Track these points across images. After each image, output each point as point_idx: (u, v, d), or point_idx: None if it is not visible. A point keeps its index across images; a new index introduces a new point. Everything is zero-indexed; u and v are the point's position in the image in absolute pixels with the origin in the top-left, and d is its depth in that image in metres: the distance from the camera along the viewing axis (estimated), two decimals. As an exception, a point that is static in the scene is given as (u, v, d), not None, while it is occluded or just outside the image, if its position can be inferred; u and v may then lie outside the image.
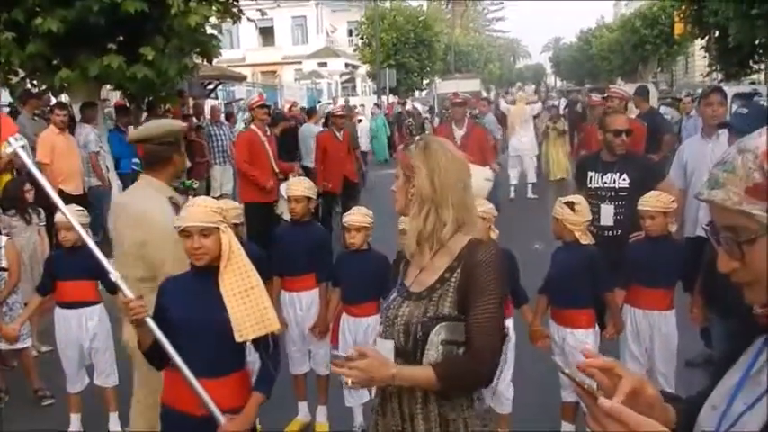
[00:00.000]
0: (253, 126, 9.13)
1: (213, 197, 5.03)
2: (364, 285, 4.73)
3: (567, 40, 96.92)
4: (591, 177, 5.45)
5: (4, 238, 5.55)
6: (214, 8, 10.54)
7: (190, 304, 3.03)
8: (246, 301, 2.99)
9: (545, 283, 4.68)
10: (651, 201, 4.54)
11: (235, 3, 11.50)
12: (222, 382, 3.02)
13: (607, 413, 1.21)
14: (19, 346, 5.57)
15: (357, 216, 4.73)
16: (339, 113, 11.06)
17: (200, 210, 2.98)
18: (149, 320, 2.94)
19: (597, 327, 4.61)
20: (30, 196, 6.53)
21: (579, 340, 4.49)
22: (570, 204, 4.49)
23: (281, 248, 5.14)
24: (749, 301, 1.24)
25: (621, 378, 1.29)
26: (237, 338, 2.98)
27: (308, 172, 11.32)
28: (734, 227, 1.18)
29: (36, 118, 9.73)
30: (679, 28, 32.91)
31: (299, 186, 5.09)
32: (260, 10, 12.17)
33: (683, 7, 28.91)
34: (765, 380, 1.20)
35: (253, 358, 3.33)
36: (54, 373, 5.51)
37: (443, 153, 2.40)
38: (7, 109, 11.23)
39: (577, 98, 20.42)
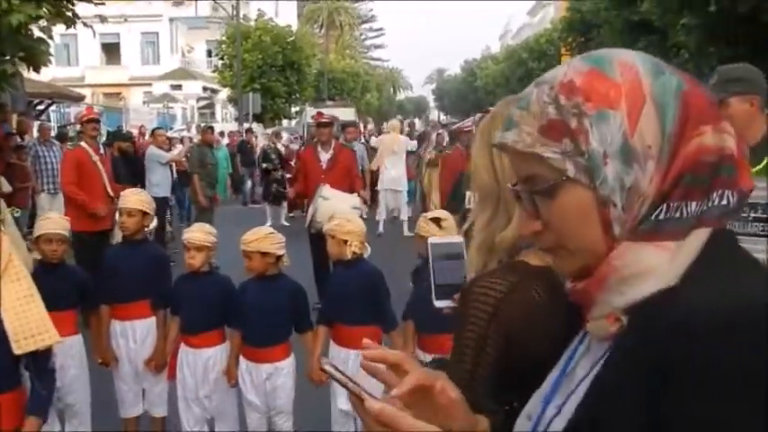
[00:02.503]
0: (82, 143, 8.90)
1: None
2: (204, 312, 4.72)
3: (452, 72, 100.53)
4: (469, 197, 5.69)
5: None
6: (43, 9, 10.25)
7: None
8: (25, 310, 2.95)
9: (408, 307, 4.80)
10: None
11: (69, 6, 11.24)
12: None
13: (376, 417, 1.08)
14: None
15: (198, 234, 4.73)
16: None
17: None
18: None
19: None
20: None
21: (447, 367, 4.63)
22: (436, 220, 4.65)
23: (110, 271, 5.05)
24: (558, 272, 1.17)
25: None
26: (16, 351, 2.94)
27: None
28: (531, 177, 1.10)
29: None
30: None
31: (133, 198, 5.03)
32: (100, 15, 11.90)
33: (570, 39, 30.72)
34: (579, 375, 1.12)
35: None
36: None
37: None
38: None
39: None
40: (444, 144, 16.76)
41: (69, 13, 11.11)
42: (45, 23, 10.49)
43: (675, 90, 1.04)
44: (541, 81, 1.10)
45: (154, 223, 5.86)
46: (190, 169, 12.62)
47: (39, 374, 3.08)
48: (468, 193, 5.80)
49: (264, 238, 4.54)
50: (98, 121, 9.12)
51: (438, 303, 2.13)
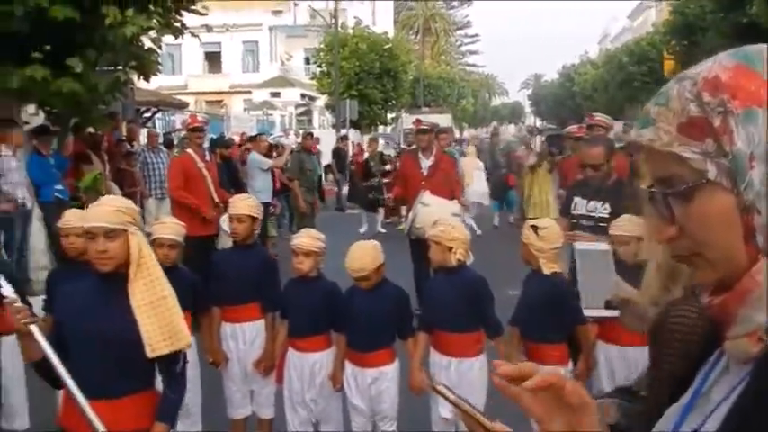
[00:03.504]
0: (189, 150, 9.16)
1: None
2: (311, 316, 4.79)
3: (549, 77, 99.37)
4: (576, 203, 5.64)
5: None
6: (154, 20, 10.63)
7: (92, 315, 3.05)
8: (158, 313, 3.01)
9: (515, 314, 4.78)
10: (624, 224, 4.66)
11: (177, 17, 11.64)
12: (125, 403, 3.04)
13: None
14: None
15: (305, 239, 4.79)
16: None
17: (105, 209, 3.02)
18: (35, 329, 2.96)
19: (571, 364, 4.70)
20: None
21: (550, 379, 4.58)
22: (535, 228, 4.61)
23: (220, 274, 5.19)
24: (695, 283, 1.08)
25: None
26: (149, 354, 2.99)
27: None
28: (667, 178, 1.02)
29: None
30: (669, 65, 33.90)
31: (242, 204, 5.16)
32: (206, 25, 12.27)
33: (673, 42, 29.92)
34: (715, 398, 1.04)
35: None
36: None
37: None
38: None
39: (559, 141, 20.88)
40: (541, 150, 16.70)
41: (177, 24, 11.50)
42: (155, 34, 10.87)
43: None
44: (683, 77, 1.04)
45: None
46: (290, 175, 12.83)
47: (169, 378, 3.14)
48: (575, 199, 5.74)
49: (376, 254, 4.62)
50: (203, 130, 9.34)
51: (587, 312, 2.04)
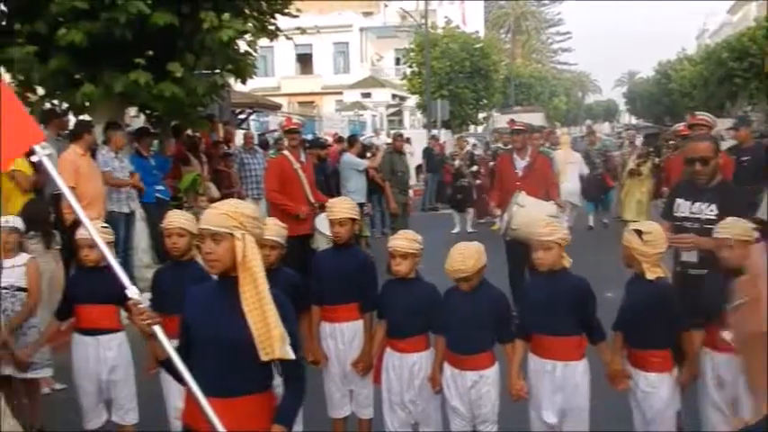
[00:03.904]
0: (285, 152, 9.30)
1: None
2: (410, 317, 4.80)
3: (644, 74, 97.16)
4: (679, 205, 5.51)
5: (26, 256, 5.69)
6: (249, 24, 10.85)
7: (209, 317, 3.13)
8: (266, 318, 3.03)
9: (618, 319, 4.70)
10: (729, 227, 4.53)
11: (272, 20, 11.87)
12: (242, 403, 3.09)
13: None
14: (29, 375, 5.62)
15: (402, 241, 4.79)
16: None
17: (214, 213, 3.08)
18: (158, 330, 3.09)
19: (676, 371, 4.58)
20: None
21: (652, 385, 4.49)
22: (639, 232, 4.51)
23: (320, 275, 5.25)
24: None
25: None
26: (263, 357, 3.03)
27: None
28: None
29: (60, 138, 10.03)
30: (772, 60, 32.78)
31: (341, 207, 5.19)
32: (299, 28, 12.45)
33: (776, 37, 28.88)
34: None
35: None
36: (68, 412, 5.64)
37: None
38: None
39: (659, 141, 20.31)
40: (641, 152, 16.36)
41: (272, 27, 11.72)
42: (251, 38, 11.10)
43: None
44: None
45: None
46: (383, 176, 12.90)
47: (287, 381, 3.18)
48: (677, 201, 5.59)
49: (479, 256, 4.58)
50: (298, 132, 9.45)
51: None
